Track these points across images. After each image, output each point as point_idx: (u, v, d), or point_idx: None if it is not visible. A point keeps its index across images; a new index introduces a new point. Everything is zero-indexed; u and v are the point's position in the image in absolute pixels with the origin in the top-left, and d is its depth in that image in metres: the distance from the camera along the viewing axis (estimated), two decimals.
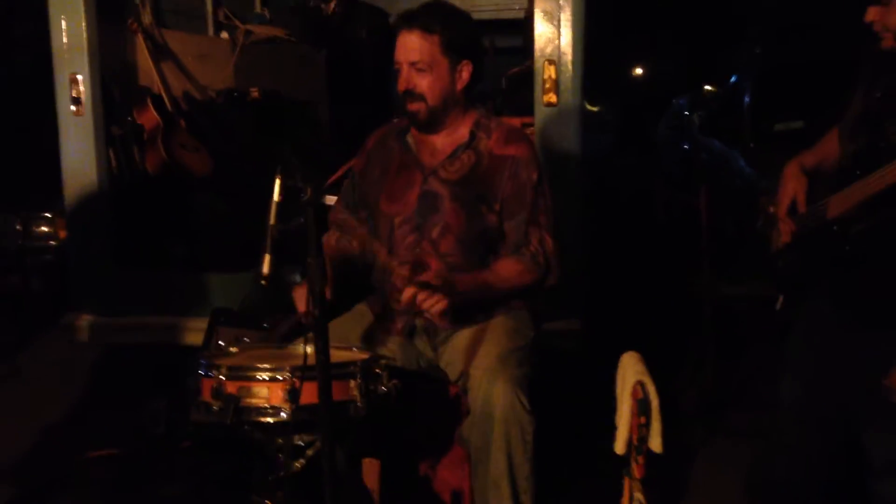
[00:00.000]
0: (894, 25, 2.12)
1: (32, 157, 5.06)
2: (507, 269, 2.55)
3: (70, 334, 3.88)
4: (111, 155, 4.00)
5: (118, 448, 3.45)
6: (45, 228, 5.11)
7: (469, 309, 2.48)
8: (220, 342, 3.19)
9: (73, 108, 3.79)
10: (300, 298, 2.40)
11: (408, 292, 2.34)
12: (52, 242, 5.05)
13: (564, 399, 2.88)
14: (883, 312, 2.16)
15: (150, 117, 4.16)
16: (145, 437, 3.54)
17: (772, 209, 2.45)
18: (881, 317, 2.16)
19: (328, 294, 1.86)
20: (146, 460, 3.32)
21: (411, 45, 2.52)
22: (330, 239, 2.73)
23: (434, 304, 2.32)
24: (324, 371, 1.71)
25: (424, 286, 2.34)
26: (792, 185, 2.35)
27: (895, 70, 2.21)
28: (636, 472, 2.11)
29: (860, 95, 2.29)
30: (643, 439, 2.08)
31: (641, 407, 2.06)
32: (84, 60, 3.75)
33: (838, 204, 2.18)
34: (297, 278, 2.86)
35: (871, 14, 2.15)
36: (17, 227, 5.05)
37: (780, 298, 2.38)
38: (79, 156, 3.82)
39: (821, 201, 2.26)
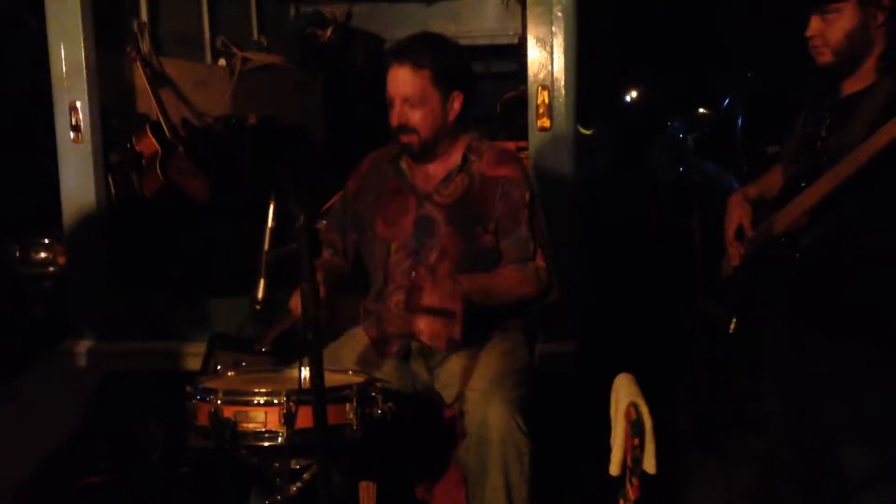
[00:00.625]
0: (833, 41, 2.15)
1: (30, 183, 5.09)
2: (510, 277, 2.57)
3: (69, 360, 3.89)
4: (110, 181, 4.03)
5: (116, 474, 3.46)
6: (43, 254, 5.14)
7: (469, 332, 2.48)
8: (218, 367, 3.21)
9: (72, 134, 3.81)
10: (296, 303, 2.42)
11: (426, 329, 2.35)
12: (50, 268, 5.07)
13: (559, 421, 2.89)
14: (843, 324, 2.19)
15: (148, 144, 4.19)
16: (142, 463, 3.55)
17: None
18: (842, 329, 2.19)
19: (322, 291, 1.89)
20: (144, 486, 3.33)
21: (402, 81, 2.55)
22: (325, 254, 2.79)
23: (448, 334, 2.35)
24: (319, 394, 1.73)
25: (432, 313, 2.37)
26: (737, 213, 2.40)
27: (832, 88, 2.24)
28: (631, 493, 2.11)
29: (800, 121, 2.34)
30: (637, 461, 2.09)
31: (635, 428, 2.07)
32: (83, 88, 3.79)
33: (786, 216, 2.23)
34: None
35: (813, 27, 2.17)
36: (16, 253, 5.07)
37: (734, 321, 2.41)
38: (78, 182, 3.84)
39: (767, 220, 2.30)
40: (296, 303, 2.44)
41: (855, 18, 2.13)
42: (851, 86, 2.21)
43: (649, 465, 2.09)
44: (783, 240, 2.23)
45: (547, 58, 3.39)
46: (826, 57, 2.18)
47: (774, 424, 2.44)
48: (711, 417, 3.73)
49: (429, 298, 2.37)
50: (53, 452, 3.71)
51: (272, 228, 1.96)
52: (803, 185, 2.19)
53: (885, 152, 2.02)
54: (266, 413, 1.97)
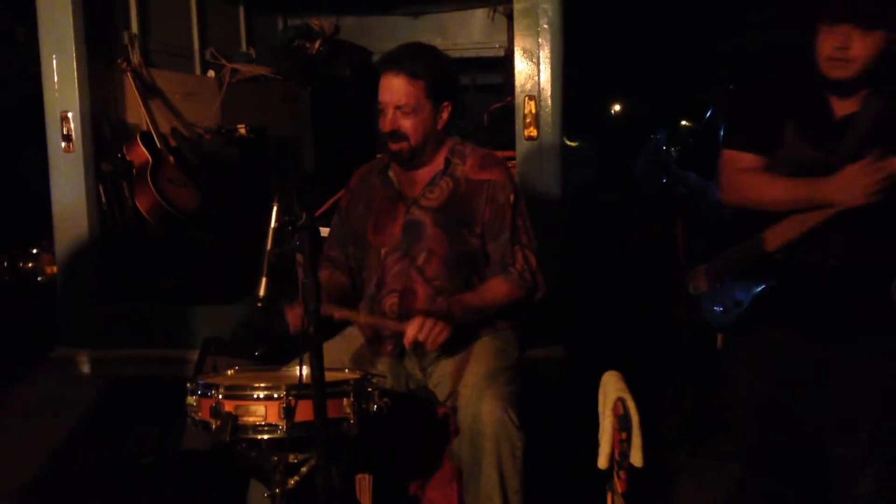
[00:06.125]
0: (865, 57, 2.11)
1: (18, 192, 5.12)
2: (496, 290, 2.65)
3: (59, 368, 3.91)
4: (101, 191, 4.06)
5: (108, 479, 3.48)
6: (30, 264, 5.15)
7: (460, 333, 2.55)
8: (211, 371, 3.24)
9: (63, 144, 3.84)
10: (294, 316, 2.50)
11: (411, 331, 2.42)
12: (38, 278, 5.08)
13: (549, 419, 2.95)
14: (847, 332, 2.26)
15: (139, 154, 4.23)
16: (134, 468, 3.58)
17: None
18: (846, 336, 2.26)
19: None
20: (138, 490, 3.35)
21: (397, 89, 2.62)
22: (322, 276, 2.77)
23: (437, 336, 2.42)
24: (319, 386, 1.78)
25: (425, 317, 2.44)
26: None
27: (823, 108, 2.25)
28: (619, 486, 2.17)
29: (791, 136, 2.30)
30: (625, 454, 2.15)
31: (622, 423, 2.12)
32: (75, 98, 3.82)
33: (781, 233, 2.27)
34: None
35: (852, 40, 2.11)
36: (3, 262, 5.08)
37: (720, 337, 2.49)
38: (69, 192, 3.87)
39: (752, 239, 2.34)
40: (293, 318, 2.51)
41: (885, 41, 2.10)
42: (845, 107, 2.21)
43: (636, 458, 2.15)
44: (777, 257, 2.29)
45: (534, 69, 3.46)
46: (849, 72, 2.13)
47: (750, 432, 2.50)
48: (696, 420, 3.79)
49: (412, 331, 2.43)
50: (42, 461, 3.72)
51: (275, 229, 2.01)
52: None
53: None
54: (266, 407, 2.02)
